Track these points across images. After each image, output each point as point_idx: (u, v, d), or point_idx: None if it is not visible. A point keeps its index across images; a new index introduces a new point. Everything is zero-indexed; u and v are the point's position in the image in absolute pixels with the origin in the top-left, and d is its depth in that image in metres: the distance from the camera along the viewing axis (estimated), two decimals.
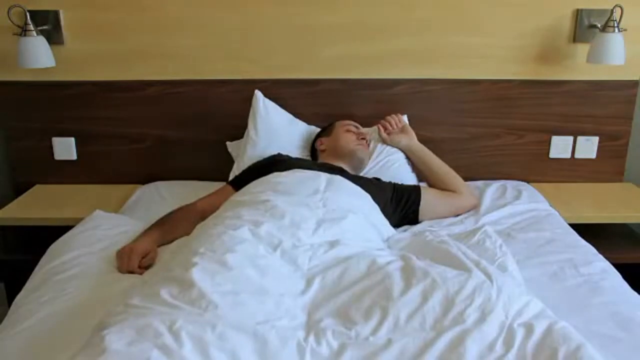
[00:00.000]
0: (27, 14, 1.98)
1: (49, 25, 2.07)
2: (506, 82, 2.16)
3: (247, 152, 2.00)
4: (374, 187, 1.72)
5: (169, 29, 2.10)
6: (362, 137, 1.93)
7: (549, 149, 2.23)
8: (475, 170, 2.24)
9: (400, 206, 1.75)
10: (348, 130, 1.92)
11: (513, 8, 2.08)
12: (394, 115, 2.05)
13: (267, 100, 2.02)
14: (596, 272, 1.47)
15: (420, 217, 1.78)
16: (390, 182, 1.82)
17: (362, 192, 1.63)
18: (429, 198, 1.80)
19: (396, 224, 1.72)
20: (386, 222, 1.63)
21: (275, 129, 2.00)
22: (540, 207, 1.87)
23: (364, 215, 1.50)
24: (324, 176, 1.61)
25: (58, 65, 2.08)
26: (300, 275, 1.22)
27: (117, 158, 2.23)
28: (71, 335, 1.11)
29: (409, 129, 2.02)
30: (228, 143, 2.14)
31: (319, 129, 2.07)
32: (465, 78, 2.15)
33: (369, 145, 1.97)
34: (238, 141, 2.12)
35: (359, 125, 1.98)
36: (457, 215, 1.83)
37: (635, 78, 2.16)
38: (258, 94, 2.01)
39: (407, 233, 1.64)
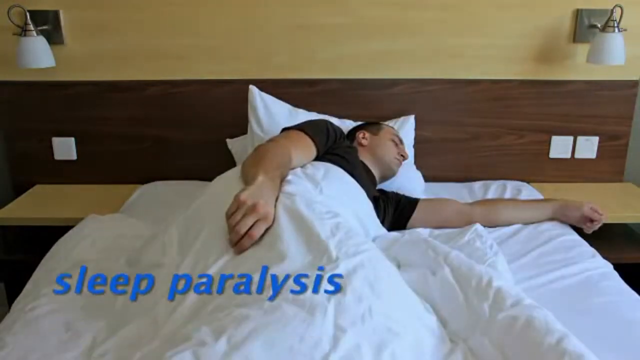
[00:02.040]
0: (27, 14, 1.98)
1: (49, 25, 2.07)
2: (506, 82, 2.16)
3: None
4: (373, 187, 1.70)
5: (169, 29, 2.10)
6: (401, 154, 1.90)
7: (549, 149, 2.23)
8: (475, 170, 2.24)
9: (391, 214, 1.74)
10: (392, 141, 1.90)
11: (513, 8, 2.08)
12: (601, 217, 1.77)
13: (263, 94, 2.01)
14: (596, 272, 1.47)
15: (408, 227, 1.75)
16: (392, 191, 1.82)
17: (355, 184, 1.59)
18: (420, 215, 1.76)
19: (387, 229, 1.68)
20: (375, 219, 1.59)
21: (278, 121, 1.98)
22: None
23: (353, 210, 1.45)
24: (322, 166, 1.56)
25: (58, 65, 2.08)
26: None
27: (117, 158, 2.23)
28: None
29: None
30: (228, 140, 2.14)
31: (319, 116, 2.04)
32: (465, 78, 2.15)
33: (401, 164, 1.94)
34: (239, 138, 2.13)
35: (402, 140, 1.94)
36: None
37: (635, 78, 2.16)
38: (253, 88, 2.00)
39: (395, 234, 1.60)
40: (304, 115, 2.02)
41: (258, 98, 1.99)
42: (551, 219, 1.80)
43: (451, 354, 1.07)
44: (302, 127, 1.64)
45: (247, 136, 2.06)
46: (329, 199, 1.38)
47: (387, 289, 1.09)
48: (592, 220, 1.75)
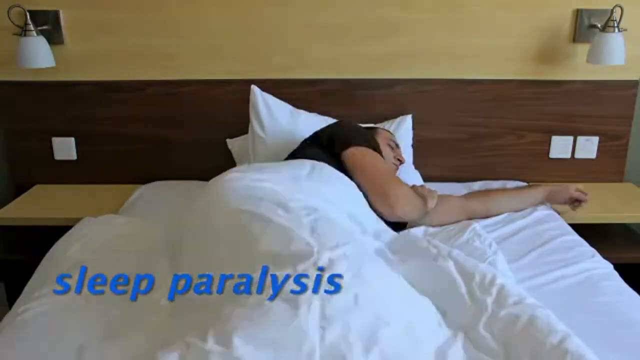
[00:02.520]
0: (27, 14, 1.98)
1: (49, 25, 2.07)
2: (506, 82, 2.15)
3: (258, 149, 1.97)
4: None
5: (169, 29, 2.10)
6: (398, 158, 1.89)
7: (549, 149, 2.23)
8: (475, 170, 2.24)
9: None
10: (389, 145, 1.88)
11: (513, 8, 2.08)
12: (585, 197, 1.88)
13: (265, 94, 2.00)
14: (596, 272, 1.47)
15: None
16: None
17: (345, 180, 1.59)
18: None
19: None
20: (371, 213, 1.58)
21: (280, 122, 1.97)
22: (540, 207, 1.87)
23: (341, 207, 1.45)
24: (308, 163, 1.58)
25: (58, 65, 2.08)
26: None
27: (117, 158, 2.23)
28: None
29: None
30: (228, 140, 2.14)
31: (321, 117, 2.04)
32: (465, 78, 2.15)
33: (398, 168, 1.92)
34: (239, 138, 2.12)
35: (398, 144, 1.93)
36: None
37: (635, 78, 2.16)
38: (255, 89, 1.98)
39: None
40: (305, 116, 2.03)
41: (260, 98, 1.98)
42: (540, 202, 1.88)
43: (450, 341, 1.07)
44: (368, 145, 1.69)
45: (248, 136, 2.06)
46: (309, 196, 1.40)
47: (372, 277, 1.10)
48: (578, 201, 1.87)
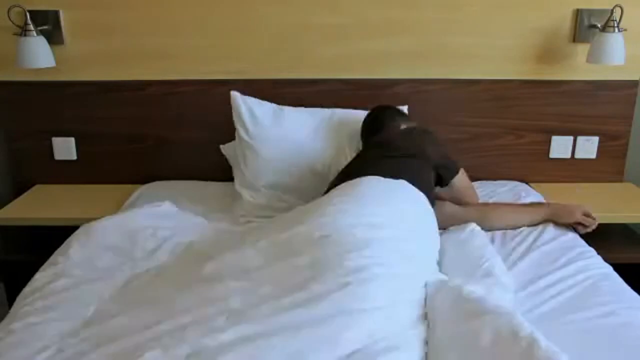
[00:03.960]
0: (27, 14, 1.98)
1: (49, 25, 2.07)
2: (506, 82, 2.15)
3: (247, 154, 1.94)
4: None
5: (169, 29, 2.10)
6: None
7: (549, 149, 2.23)
8: (475, 170, 2.22)
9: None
10: None
11: (513, 8, 2.08)
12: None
13: (246, 97, 1.96)
14: (596, 273, 1.47)
15: None
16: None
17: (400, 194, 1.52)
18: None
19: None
20: (435, 236, 1.50)
21: (264, 124, 1.93)
22: None
23: (394, 238, 1.31)
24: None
25: (58, 65, 2.08)
26: None
27: (117, 158, 2.23)
28: None
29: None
30: (222, 146, 2.11)
31: (307, 110, 2.02)
32: (465, 78, 2.15)
33: None
34: (230, 143, 2.08)
35: None
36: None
37: (635, 78, 2.16)
38: (234, 94, 1.94)
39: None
40: (288, 112, 1.99)
41: (241, 102, 1.93)
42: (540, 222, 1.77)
43: None
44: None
45: (236, 144, 2.00)
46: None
47: None
48: (584, 225, 1.75)
